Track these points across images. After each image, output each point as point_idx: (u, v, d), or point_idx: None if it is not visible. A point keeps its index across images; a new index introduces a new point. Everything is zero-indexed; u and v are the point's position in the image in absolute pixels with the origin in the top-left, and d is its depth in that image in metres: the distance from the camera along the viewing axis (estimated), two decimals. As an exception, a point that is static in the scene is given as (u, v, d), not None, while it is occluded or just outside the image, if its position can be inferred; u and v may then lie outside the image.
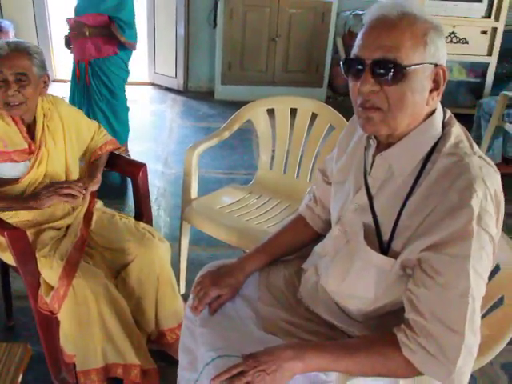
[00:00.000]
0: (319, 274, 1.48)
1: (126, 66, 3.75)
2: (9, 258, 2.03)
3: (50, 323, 1.97)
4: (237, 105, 4.87)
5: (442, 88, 1.22)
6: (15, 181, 2.00)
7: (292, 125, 2.58)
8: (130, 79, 5.74)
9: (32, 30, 5.41)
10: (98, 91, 3.62)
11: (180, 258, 2.53)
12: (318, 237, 1.62)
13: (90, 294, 1.84)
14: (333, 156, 1.57)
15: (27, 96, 1.93)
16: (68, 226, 2.08)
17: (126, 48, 3.61)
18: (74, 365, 1.99)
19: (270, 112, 2.62)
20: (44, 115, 2.05)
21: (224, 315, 1.51)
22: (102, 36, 3.45)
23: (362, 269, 1.32)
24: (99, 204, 2.24)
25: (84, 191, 2.00)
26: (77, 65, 3.62)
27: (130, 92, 5.51)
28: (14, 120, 1.98)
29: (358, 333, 1.37)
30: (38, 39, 5.38)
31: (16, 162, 1.98)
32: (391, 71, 1.16)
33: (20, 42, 1.97)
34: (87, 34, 3.40)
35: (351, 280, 1.36)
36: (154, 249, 2.02)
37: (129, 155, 3.97)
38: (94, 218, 2.12)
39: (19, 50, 1.91)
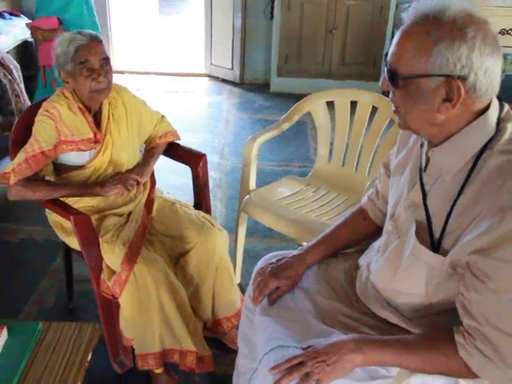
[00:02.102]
0: (370, 269, 1.47)
1: None
2: (73, 243, 2.10)
3: (111, 307, 2.02)
4: (292, 97, 4.91)
5: (459, 100, 1.15)
6: (81, 167, 2.06)
7: (351, 118, 2.56)
8: (187, 71, 5.90)
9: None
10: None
11: (236, 248, 2.55)
12: (378, 231, 1.61)
13: (151, 280, 1.88)
14: (395, 150, 1.56)
15: (110, 80, 2.00)
16: (130, 213, 2.12)
17: None
18: (132, 348, 2.04)
19: (329, 104, 2.61)
20: (109, 104, 2.09)
21: (283, 306, 1.51)
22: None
23: (413, 265, 1.30)
24: (159, 192, 2.28)
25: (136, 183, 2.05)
26: (43, 70, 3.57)
27: (187, 83, 5.63)
28: (80, 110, 2.03)
29: (414, 331, 1.36)
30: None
31: (82, 150, 2.04)
32: (392, 79, 1.20)
33: (87, 31, 2.02)
34: (40, 37, 3.35)
35: (401, 276, 1.34)
36: (214, 237, 2.05)
37: None
38: (155, 205, 2.16)
39: (95, 38, 1.98)
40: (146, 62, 6.29)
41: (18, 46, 4.88)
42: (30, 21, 5.01)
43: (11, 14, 5.05)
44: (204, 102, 5.23)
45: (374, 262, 1.46)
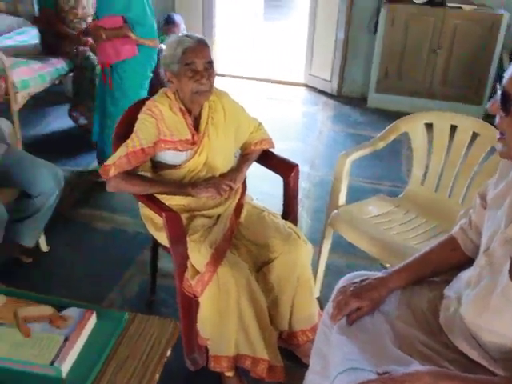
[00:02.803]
0: (461, 302, 1.42)
1: (146, 69, 3.59)
2: (162, 238, 2.17)
3: (191, 305, 2.07)
4: (389, 114, 4.84)
5: None
6: (176, 167, 2.13)
7: (450, 142, 2.49)
8: (284, 78, 5.95)
9: (199, 23, 5.69)
10: (111, 96, 3.52)
11: (319, 262, 2.54)
12: (467, 262, 1.56)
13: (233, 284, 1.91)
14: (493, 181, 1.51)
15: (212, 83, 2.06)
16: (219, 216, 2.16)
17: (149, 48, 3.49)
18: (206, 348, 2.08)
19: (427, 126, 2.55)
20: (209, 107, 2.15)
21: (361, 327, 1.49)
22: (119, 38, 3.39)
23: (503, 305, 1.25)
24: (249, 198, 2.32)
25: (228, 188, 2.08)
26: (102, 69, 3.61)
27: (283, 91, 5.67)
28: (181, 111, 2.10)
29: (497, 372, 1.30)
30: (203, 33, 5.64)
31: (179, 150, 2.11)
32: (504, 104, 1.19)
33: (194, 35, 2.09)
34: (104, 37, 3.37)
35: (490, 314, 1.29)
36: (299, 249, 2.05)
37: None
38: (244, 211, 2.19)
39: (202, 41, 2.05)
40: (245, 67, 6.40)
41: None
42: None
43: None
44: (299, 112, 5.25)
45: (465, 296, 1.41)
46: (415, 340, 1.45)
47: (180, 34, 4.94)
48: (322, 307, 2.25)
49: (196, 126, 2.13)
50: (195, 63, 2.01)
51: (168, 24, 5.23)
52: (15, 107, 3.65)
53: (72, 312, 1.28)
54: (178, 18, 5.26)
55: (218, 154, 2.16)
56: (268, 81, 5.97)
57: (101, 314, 1.30)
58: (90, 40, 3.99)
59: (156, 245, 2.40)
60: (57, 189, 2.63)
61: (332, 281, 2.48)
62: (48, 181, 2.57)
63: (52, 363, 1.16)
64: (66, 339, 1.21)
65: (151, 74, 3.68)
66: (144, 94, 3.60)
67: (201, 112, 2.14)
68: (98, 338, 1.26)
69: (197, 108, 2.12)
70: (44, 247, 2.98)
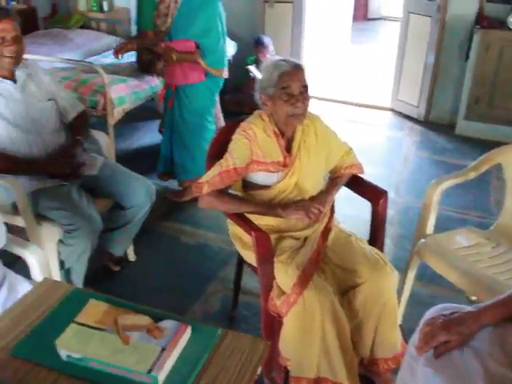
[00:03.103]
0: None
1: (213, 94, 3.62)
2: (248, 256, 2.21)
3: (274, 324, 2.09)
4: (478, 143, 4.73)
5: None
6: (267, 187, 2.17)
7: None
8: (371, 103, 5.93)
9: (287, 45, 5.76)
10: (181, 117, 3.57)
11: (403, 290, 2.50)
12: None
13: (318, 307, 1.92)
14: None
15: (306, 107, 2.10)
16: (306, 238, 2.18)
17: (213, 75, 3.51)
18: (285, 368, 2.10)
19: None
20: (302, 130, 2.19)
21: (449, 362, 1.46)
22: (189, 62, 3.41)
23: None
24: (336, 221, 2.32)
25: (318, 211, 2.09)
26: (164, 89, 3.67)
27: (369, 115, 5.65)
28: (275, 133, 2.14)
29: None
30: (291, 55, 5.72)
31: (271, 172, 2.15)
32: None
33: (290, 59, 2.14)
34: (174, 58, 3.39)
35: None
36: (386, 276, 2.04)
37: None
38: (331, 234, 2.20)
39: (298, 66, 2.09)
40: (331, 89, 6.43)
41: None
42: (228, 40, 5.40)
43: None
44: (384, 136, 5.21)
45: None
46: (508, 382, 1.40)
47: (269, 56, 5.06)
48: (403, 335, 2.22)
49: (288, 148, 2.17)
50: (291, 87, 2.05)
51: (257, 46, 5.36)
52: (111, 121, 3.83)
53: (168, 324, 1.33)
54: (266, 39, 5.38)
55: (309, 176, 2.18)
56: (353, 104, 5.97)
57: (195, 327, 1.35)
58: None
59: (241, 262, 2.45)
60: (148, 202, 2.73)
61: (414, 310, 2.44)
62: (141, 194, 2.68)
63: (149, 372, 1.21)
64: (163, 349, 1.25)
65: (217, 100, 3.75)
66: (211, 117, 3.66)
67: (294, 135, 2.17)
68: (192, 351, 1.30)
69: (290, 131, 2.16)
70: (131, 257, 3.10)
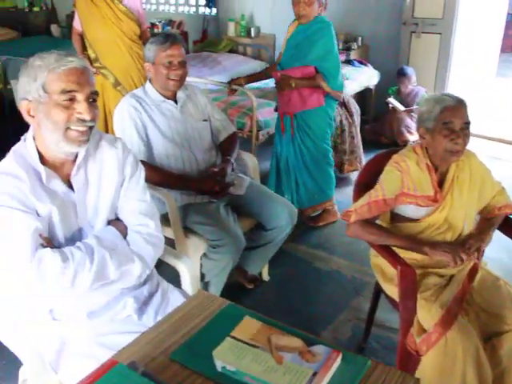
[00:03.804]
0: None
1: (330, 118, 3.63)
2: (390, 290, 2.19)
3: (410, 361, 2.04)
4: None
5: None
6: (416, 220, 2.15)
7: None
8: (496, 135, 5.60)
9: (431, 77, 5.63)
10: (303, 144, 3.56)
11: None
12: None
13: (460, 351, 1.85)
14: None
15: (466, 144, 2.06)
16: (451, 276, 2.12)
17: (332, 99, 3.53)
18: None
19: None
20: (456, 166, 2.14)
21: None
22: (308, 87, 3.41)
23: None
24: (483, 263, 2.24)
25: (470, 256, 2.01)
26: (281, 117, 3.61)
27: (493, 149, 5.35)
28: (428, 167, 2.12)
29: None
30: (435, 86, 5.60)
31: (419, 206, 2.12)
32: None
33: (454, 94, 2.10)
34: (293, 85, 3.37)
35: None
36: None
37: (329, 211, 3.81)
38: (478, 275, 2.12)
39: (462, 102, 2.07)
40: (475, 124, 6.17)
41: (360, 92, 5.28)
42: (371, 69, 5.42)
43: (360, 62, 5.49)
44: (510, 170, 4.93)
45: None
46: None
47: (410, 87, 4.98)
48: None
49: (440, 183, 2.13)
50: (453, 123, 2.02)
51: (400, 76, 5.32)
52: (256, 143, 3.97)
53: (320, 349, 1.35)
54: (410, 70, 5.33)
55: (460, 212, 2.13)
56: (499, 140, 5.70)
57: (345, 355, 1.36)
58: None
59: (378, 294, 2.43)
60: (290, 225, 2.79)
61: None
62: (284, 217, 2.75)
63: (301, 394, 1.23)
64: (315, 373, 1.27)
65: (333, 123, 3.73)
66: (329, 141, 3.67)
67: (447, 170, 2.14)
68: (342, 379, 1.31)
69: (444, 166, 2.12)
70: (265, 276, 3.18)
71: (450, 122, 2.02)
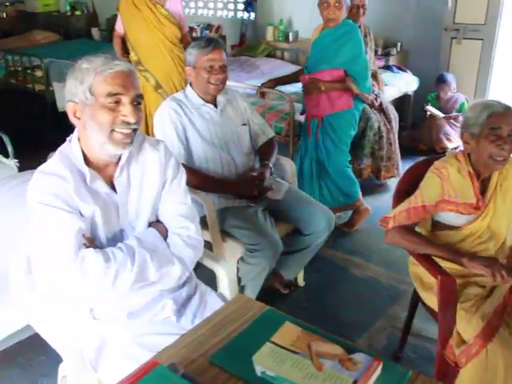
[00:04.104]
0: None
1: (356, 122, 3.64)
2: (428, 298, 2.16)
3: (448, 372, 2.01)
4: None
5: None
6: (457, 228, 2.12)
7: None
8: None
9: (471, 84, 5.54)
10: (324, 146, 3.56)
11: None
12: None
13: (502, 364, 1.81)
14: None
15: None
16: (493, 287, 2.08)
17: (359, 101, 3.55)
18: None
19: None
20: (500, 173, 2.10)
21: None
22: (337, 90, 3.42)
23: None
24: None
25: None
26: (309, 121, 3.59)
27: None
28: (469, 174, 2.08)
29: None
30: (475, 93, 5.51)
31: (461, 213, 2.09)
32: None
33: (502, 101, 2.06)
34: (323, 89, 3.38)
35: None
36: None
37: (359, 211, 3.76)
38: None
39: (509, 108, 2.02)
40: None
41: (398, 98, 5.23)
42: (410, 75, 5.36)
43: (399, 68, 5.44)
44: None
45: None
46: None
47: (450, 94, 4.91)
48: None
49: (482, 190, 2.10)
50: (501, 129, 1.99)
51: (440, 82, 5.25)
52: (293, 149, 3.96)
53: (361, 358, 1.34)
54: (450, 77, 5.26)
55: (503, 220, 2.09)
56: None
57: (386, 365, 1.34)
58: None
59: (416, 303, 2.40)
60: (327, 231, 2.78)
61: None
62: (321, 222, 2.73)
63: (340, 401, 1.23)
64: (355, 382, 1.27)
65: (357, 126, 3.72)
66: (349, 144, 3.67)
67: (489, 177, 2.10)
68: (381, 389, 1.30)
69: (487, 173, 2.09)
70: (301, 282, 3.17)
71: (498, 127, 1.99)
